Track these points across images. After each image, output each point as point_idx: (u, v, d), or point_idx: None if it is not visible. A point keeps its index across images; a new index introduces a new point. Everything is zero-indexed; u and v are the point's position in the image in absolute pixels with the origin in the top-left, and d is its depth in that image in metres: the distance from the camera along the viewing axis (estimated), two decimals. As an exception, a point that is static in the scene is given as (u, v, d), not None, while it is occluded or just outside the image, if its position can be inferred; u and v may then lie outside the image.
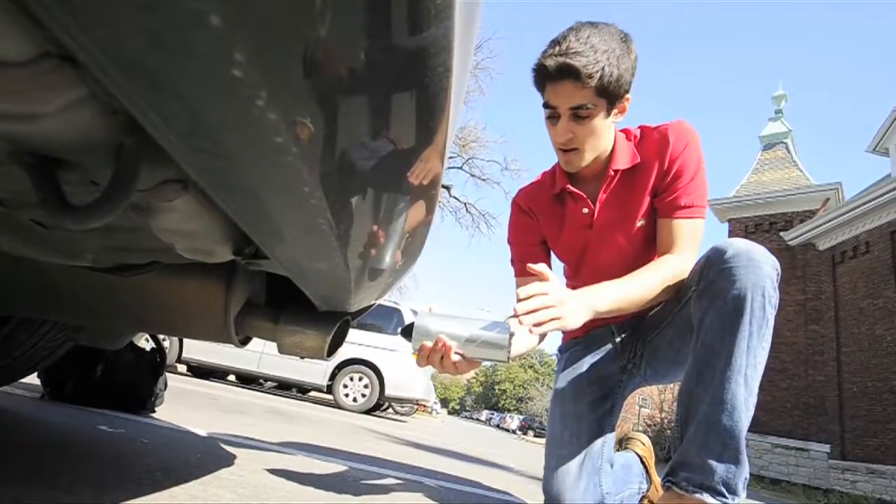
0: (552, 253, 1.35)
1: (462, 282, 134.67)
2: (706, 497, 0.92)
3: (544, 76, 1.05)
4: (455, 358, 0.92)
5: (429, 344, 0.93)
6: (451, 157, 15.53)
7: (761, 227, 12.67)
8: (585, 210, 1.21)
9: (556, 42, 1.04)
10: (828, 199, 12.31)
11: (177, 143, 0.31)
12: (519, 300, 0.92)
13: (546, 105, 1.08)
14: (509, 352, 0.93)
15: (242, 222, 0.43)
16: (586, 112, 1.05)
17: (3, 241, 0.55)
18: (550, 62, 1.02)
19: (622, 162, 1.16)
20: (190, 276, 0.74)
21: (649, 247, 1.21)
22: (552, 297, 0.93)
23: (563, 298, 0.94)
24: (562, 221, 1.26)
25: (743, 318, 0.92)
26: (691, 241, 1.13)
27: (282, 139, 0.30)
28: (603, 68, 1.01)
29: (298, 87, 0.27)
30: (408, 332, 0.96)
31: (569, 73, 1.01)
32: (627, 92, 1.08)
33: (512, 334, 0.96)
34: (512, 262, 1.36)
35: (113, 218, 0.36)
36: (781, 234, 12.08)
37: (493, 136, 28.26)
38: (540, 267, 0.97)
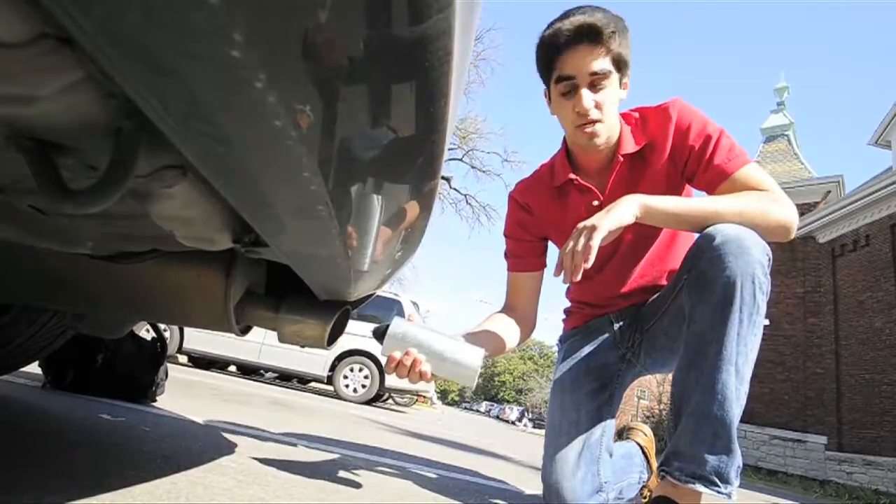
0: (555, 246, 1.34)
1: (461, 274, 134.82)
2: (699, 487, 0.93)
3: (557, 45, 1.03)
4: (424, 368, 0.95)
5: (397, 355, 0.96)
6: (451, 149, 15.49)
7: (762, 219, 12.64)
8: (596, 202, 1.17)
9: (561, 17, 1.04)
10: (829, 192, 12.29)
11: (175, 126, 0.30)
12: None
13: (561, 78, 1.06)
14: (477, 374, 0.96)
15: (242, 209, 0.43)
16: (603, 78, 1.04)
17: (3, 229, 0.55)
18: (566, 25, 1.01)
19: (629, 146, 1.13)
20: (190, 265, 0.74)
21: (665, 233, 1.20)
22: (575, 234, 0.96)
23: (588, 222, 0.96)
24: (565, 215, 1.23)
25: (733, 307, 0.92)
26: (766, 179, 1.06)
27: (281, 123, 0.29)
28: (616, 32, 1.02)
29: (298, 69, 0.27)
30: (380, 334, 0.98)
31: (589, 33, 1.01)
32: (629, 66, 1.08)
33: (486, 356, 0.99)
34: (506, 255, 1.34)
35: (111, 203, 0.35)
36: (782, 226, 12.06)
37: (494, 128, 28.17)
38: None
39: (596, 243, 0.92)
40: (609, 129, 1.10)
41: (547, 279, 1.36)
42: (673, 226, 1.06)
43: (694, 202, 1.03)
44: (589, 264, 0.93)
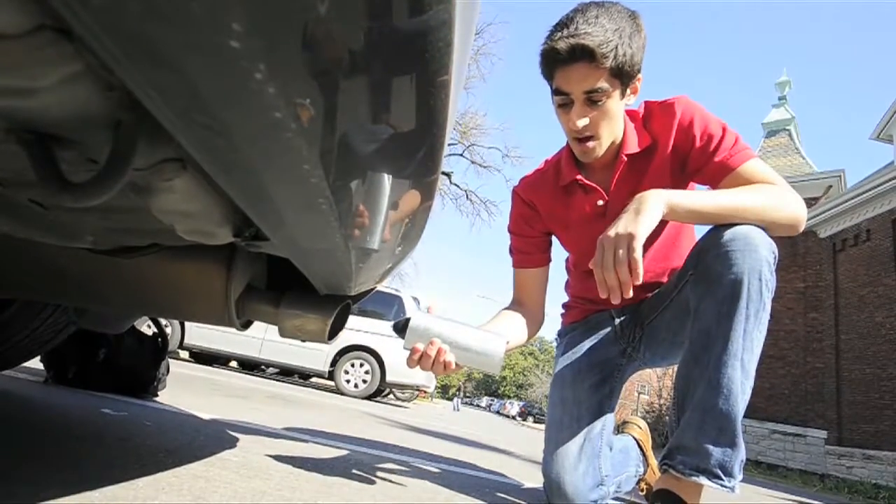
0: (559, 242, 1.34)
1: (462, 269, 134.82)
2: (702, 480, 0.94)
3: (554, 60, 0.99)
4: (448, 359, 0.95)
5: (421, 346, 0.96)
6: (451, 144, 15.47)
7: (763, 214, 12.62)
8: (601, 202, 1.17)
9: (562, 24, 0.99)
10: (830, 187, 12.27)
11: (175, 118, 0.30)
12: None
13: (557, 91, 1.03)
14: (502, 364, 0.97)
15: (242, 202, 0.43)
16: (601, 95, 1.00)
17: (3, 223, 0.55)
18: (561, 44, 0.96)
19: (633, 146, 1.12)
20: (191, 259, 0.74)
21: (670, 229, 1.20)
22: (607, 246, 0.90)
23: (618, 229, 0.91)
24: (570, 213, 1.23)
25: (740, 303, 0.93)
26: (771, 174, 1.04)
27: (281, 115, 0.29)
28: (616, 47, 0.96)
29: (297, 59, 0.27)
30: (401, 328, 0.97)
31: (582, 55, 0.95)
32: (639, 71, 1.04)
33: (507, 343, 0.99)
34: (511, 251, 1.34)
35: (111, 195, 0.35)
36: (783, 221, 12.05)
37: (494, 123, 28.08)
38: None
39: (639, 253, 0.88)
40: (608, 138, 1.09)
41: (550, 274, 1.36)
42: (694, 222, 1.04)
43: (715, 198, 0.99)
44: (639, 280, 0.88)
